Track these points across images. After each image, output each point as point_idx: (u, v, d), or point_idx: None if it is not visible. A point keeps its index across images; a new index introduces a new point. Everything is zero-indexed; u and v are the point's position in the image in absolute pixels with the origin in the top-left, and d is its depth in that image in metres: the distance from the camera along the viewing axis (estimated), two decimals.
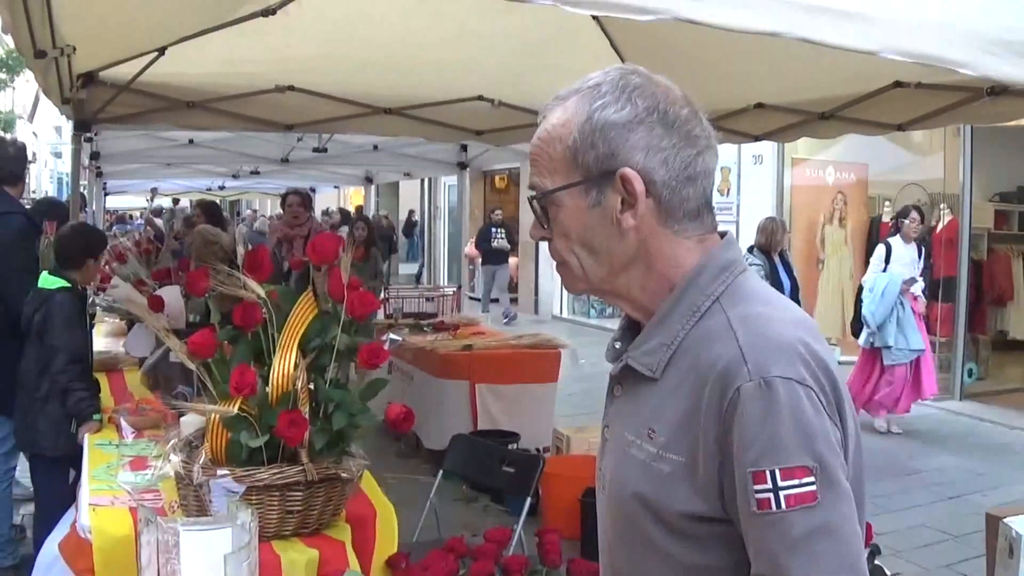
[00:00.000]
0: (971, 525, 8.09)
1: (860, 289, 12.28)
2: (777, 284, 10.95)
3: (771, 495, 1.73)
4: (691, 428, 1.85)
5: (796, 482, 1.73)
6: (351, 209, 27.71)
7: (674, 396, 1.91)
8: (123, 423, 5.33)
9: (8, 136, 34.69)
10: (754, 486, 1.75)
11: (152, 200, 25.53)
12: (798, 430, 1.75)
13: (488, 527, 5.20)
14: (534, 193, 2.04)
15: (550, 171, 2.00)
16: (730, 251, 2.03)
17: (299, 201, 11.20)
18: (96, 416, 5.68)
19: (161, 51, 6.25)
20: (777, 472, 1.73)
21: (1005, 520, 3.71)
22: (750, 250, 11.53)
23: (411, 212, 34.14)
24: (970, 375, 14.03)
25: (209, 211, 12.29)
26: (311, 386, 3.72)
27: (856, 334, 12.33)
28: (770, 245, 11.58)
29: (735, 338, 1.84)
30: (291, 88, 7.51)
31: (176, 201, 31.87)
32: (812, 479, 1.73)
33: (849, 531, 1.77)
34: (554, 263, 2.11)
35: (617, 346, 2.13)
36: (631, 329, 2.12)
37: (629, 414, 2.02)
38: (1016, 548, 3.63)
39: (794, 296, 11.15)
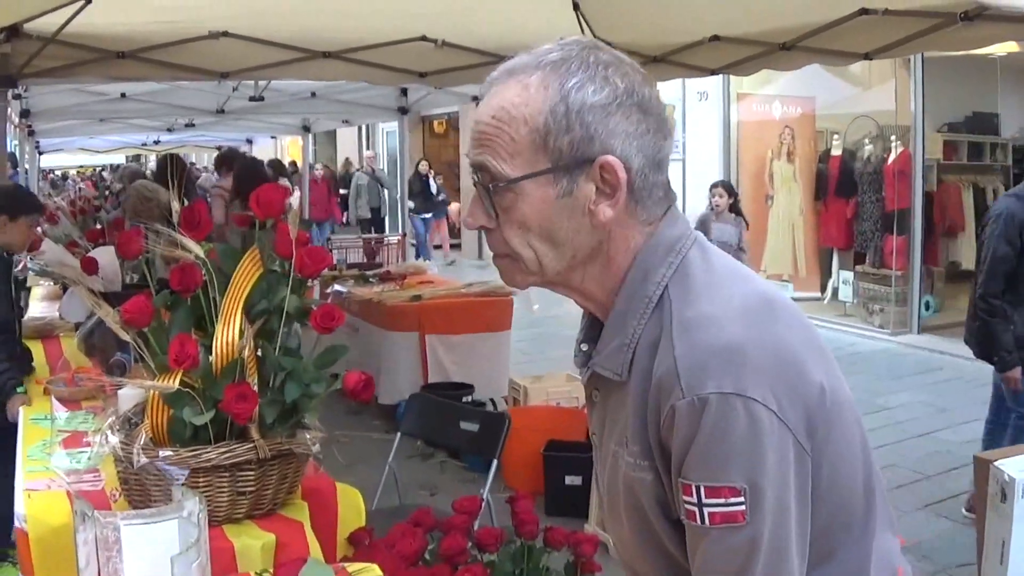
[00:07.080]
0: (943, 463, 7.98)
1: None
2: None
3: (696, 509, 1.69)
4: (647, 436, 1.78)
5: (722, 501, 1.67)
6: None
7: (637, 402, 1.81)
8: (54, 398, 4.97)
9: None
10: (683, 496, 1.71)
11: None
12: (730, 451, 1.66)
13: (446, 485, 4.98)
14: (483, 178, 1.84)
15: (511, 155, 1.79)
16: (675, 227, 1.87)
17: None
18: (19, 389, 5.32)
19: None
20: (702, 488, 1.68)
21: (996, 463, 3.52)
22: None
23: (347, 160, 33.57)
24: (927, 308, 14.00)
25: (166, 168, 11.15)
26: (259, 354, 3.41)
27: None
28: None
29: (672, 347, 1.73)
30: (225, 34, 7.24)
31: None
32: (741, 499, 1.66)
33: (780, 551, 1.70)
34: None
35: (584, 348, 2.00)
36: (594, 327, 1.97)
37: (611, 422, 1.92)
38: (1009, 492, 3.44)
39: None
